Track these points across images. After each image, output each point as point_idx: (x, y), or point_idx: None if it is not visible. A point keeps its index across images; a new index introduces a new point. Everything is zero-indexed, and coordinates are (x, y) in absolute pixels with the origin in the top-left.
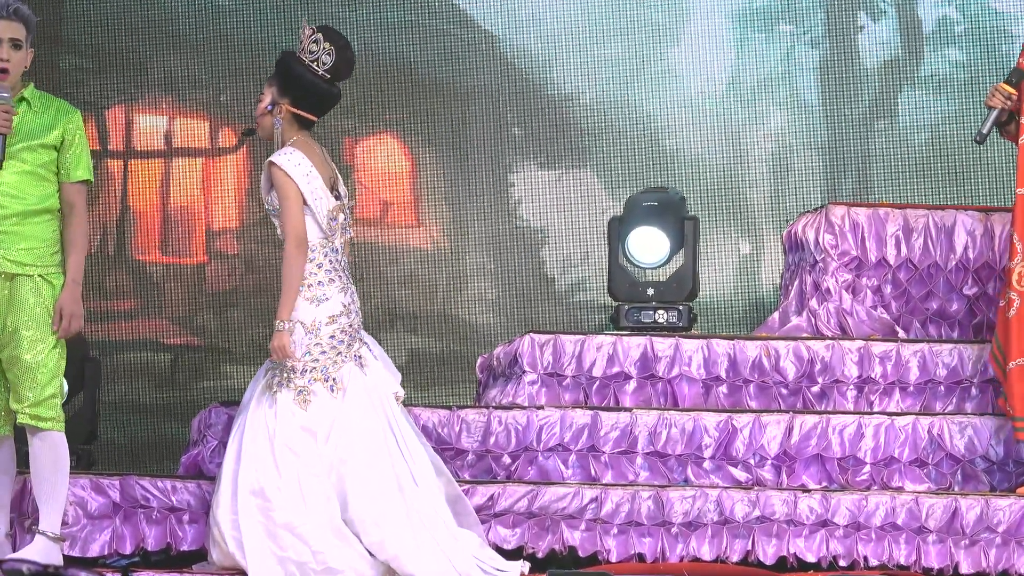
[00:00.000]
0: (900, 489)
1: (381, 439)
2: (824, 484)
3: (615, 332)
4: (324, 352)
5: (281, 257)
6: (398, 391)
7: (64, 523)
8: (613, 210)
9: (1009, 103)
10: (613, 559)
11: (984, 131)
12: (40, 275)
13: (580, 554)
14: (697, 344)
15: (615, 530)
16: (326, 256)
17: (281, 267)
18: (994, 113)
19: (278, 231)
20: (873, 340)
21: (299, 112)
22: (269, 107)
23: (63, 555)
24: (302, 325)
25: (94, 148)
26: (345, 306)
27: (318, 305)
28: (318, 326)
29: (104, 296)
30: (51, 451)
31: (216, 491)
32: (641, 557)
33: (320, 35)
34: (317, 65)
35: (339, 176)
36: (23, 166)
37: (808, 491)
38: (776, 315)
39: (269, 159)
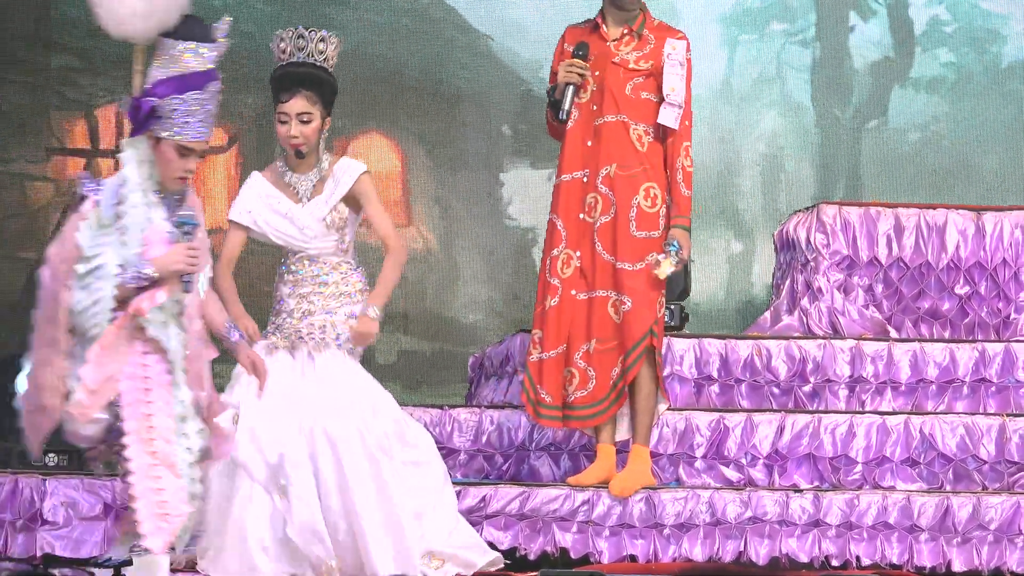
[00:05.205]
0: (892, 488)
1: None
2: (816, 484)
3: None
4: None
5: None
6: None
7: (56, 523)
8: None
9: (584, 77)
10: (605, 560)
11: (567, 107)
12: None
13: (572, 556)
14: (689, 343)
15: (607, 532)
16: None
17: (388, 261)
18: (572, 88)
19: (340, 241)
20: (865, 339)
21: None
22: (321, 127)
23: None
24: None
25: (85, 147)
26: None
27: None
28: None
29: None
30: None
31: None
32: (633, 559)
33: (323, 33)
34: (330, 66)
35: None
36: None
37: (800, 491)
38: (768, 314)
39: (363, 169)
